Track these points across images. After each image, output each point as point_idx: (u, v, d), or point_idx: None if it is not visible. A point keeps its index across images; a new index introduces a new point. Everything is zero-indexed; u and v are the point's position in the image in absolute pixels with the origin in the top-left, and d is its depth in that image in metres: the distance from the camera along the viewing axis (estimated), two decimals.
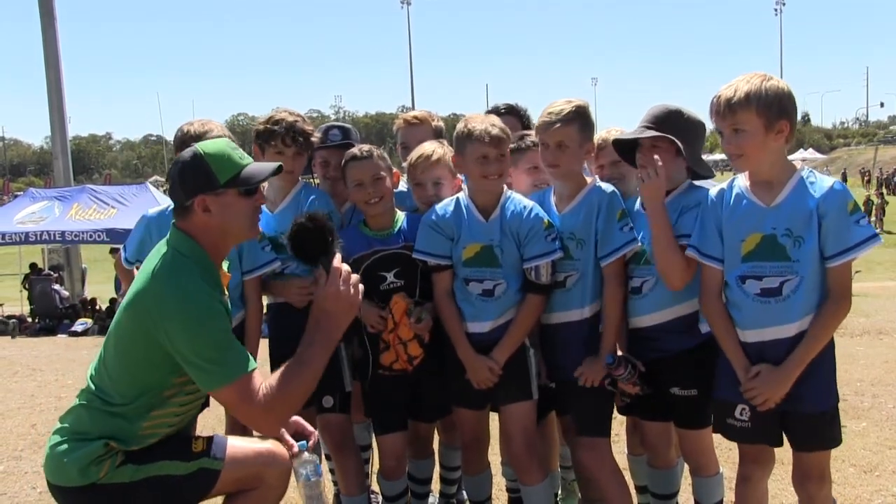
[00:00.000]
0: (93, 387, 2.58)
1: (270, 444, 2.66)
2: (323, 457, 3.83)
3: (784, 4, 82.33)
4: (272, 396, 2.45)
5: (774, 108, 2.63)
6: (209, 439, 2.65)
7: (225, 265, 2.78)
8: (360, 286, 2.59)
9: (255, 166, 2.63)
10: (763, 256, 2.69)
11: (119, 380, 2.54)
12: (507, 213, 3.13)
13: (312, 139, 3.45)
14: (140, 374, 2.51)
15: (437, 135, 3.90)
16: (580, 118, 3.08)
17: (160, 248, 2.59)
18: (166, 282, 2.46)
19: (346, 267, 2.57)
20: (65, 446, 2.52)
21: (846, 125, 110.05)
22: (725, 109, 2.66)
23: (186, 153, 2.57)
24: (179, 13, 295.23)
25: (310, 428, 2.79)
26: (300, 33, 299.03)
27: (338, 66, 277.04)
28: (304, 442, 2.62)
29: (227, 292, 2.74)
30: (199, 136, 3.23)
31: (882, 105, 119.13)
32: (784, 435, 2.81)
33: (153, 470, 2.53)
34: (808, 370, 2.66)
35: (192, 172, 2.54)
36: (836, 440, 2.75)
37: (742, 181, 2.80)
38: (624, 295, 3.09)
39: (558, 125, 3.06)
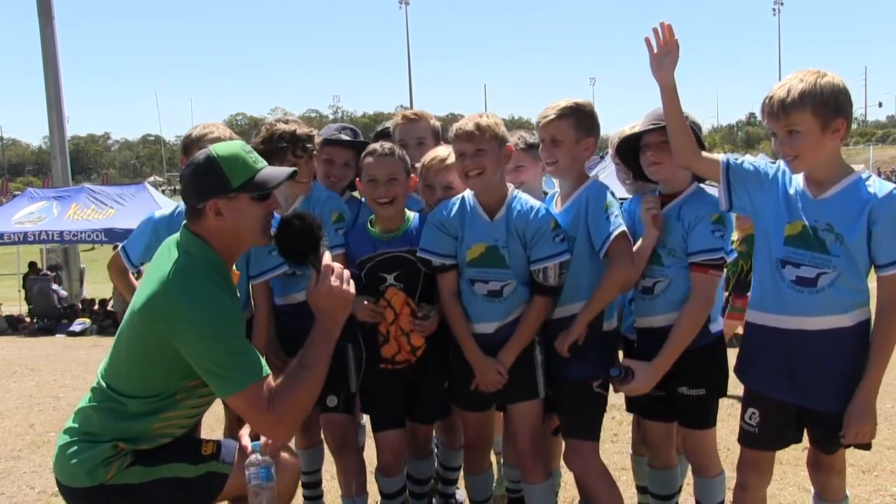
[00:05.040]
0: (104, 385, 2.57)
1: (278, 451, 2.65)
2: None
3: (782, 4, 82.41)
4: (280, 404, 2.40)
5: (831, 106, 2.53)
6: (218, 444, 2.66)
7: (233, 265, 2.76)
8: (352, 281, 2.55)
9: (270, 171, 2.58)
10: (803, 245, 2.61)
11: (131, 380, 2.53)
12: (513, 212, 3.08)
13: (317, 139, 3.39)
14: (153, 375, 2.50)
15: (435, 134, 3.89)
16: (575, 114, 3.03)
17: (170, 250, 2.57)
18: (181, 288, 2.43)
19: (336, 264, 2.55)
20: (74, 447, 2.52)
21: None
22: (779, 110, 2.55)
23: (199, 155, 2.54)
24: (177, 13, 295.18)
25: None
26: (298, 33, 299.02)
27: (336, 65, 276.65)
28: (256, 443, 2.58)
29: (237, 292, 2.72)
30: (200, 140, 3.21)
31: (880, 105, 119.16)
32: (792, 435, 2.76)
33: (162, 472, 2.54)
34: (847, 371, 2.60)
35: (204, 175, 2.50)
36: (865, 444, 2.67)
37: None
38: (624, 279, 2.98)
39: (551, 118, 3.04)
